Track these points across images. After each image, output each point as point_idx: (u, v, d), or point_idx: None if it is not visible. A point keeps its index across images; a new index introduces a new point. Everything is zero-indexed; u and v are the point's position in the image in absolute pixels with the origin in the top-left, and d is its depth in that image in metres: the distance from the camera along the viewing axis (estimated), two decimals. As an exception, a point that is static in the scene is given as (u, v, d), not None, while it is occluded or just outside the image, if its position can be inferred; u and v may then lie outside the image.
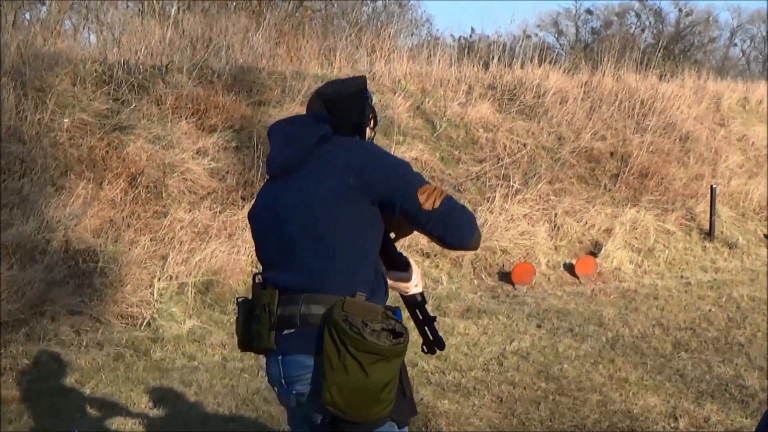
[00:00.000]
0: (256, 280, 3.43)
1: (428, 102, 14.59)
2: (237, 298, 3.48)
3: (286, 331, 3.30)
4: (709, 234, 13.80)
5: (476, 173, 13.45)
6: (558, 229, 12.67)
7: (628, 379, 7.56)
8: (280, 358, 3.33)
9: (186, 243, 9.79)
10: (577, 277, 11.71)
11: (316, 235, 3.29)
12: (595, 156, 14.83)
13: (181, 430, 6.31)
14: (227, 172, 11.37)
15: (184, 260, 9.57)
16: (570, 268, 11.93)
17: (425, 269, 11.04)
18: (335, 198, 3.28)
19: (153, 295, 9.11)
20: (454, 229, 3.33)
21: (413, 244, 11.34)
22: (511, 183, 13.30)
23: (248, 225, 3.70)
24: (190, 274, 9.44)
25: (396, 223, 3.46)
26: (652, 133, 15.68)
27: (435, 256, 11.31)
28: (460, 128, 14.37)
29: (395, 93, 14.40)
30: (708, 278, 12.07)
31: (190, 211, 10.37)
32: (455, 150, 13.88)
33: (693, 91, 18.01)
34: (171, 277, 9.36)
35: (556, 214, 12.85)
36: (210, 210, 10.48)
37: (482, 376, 7.68)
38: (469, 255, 11.43)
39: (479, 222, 11.87)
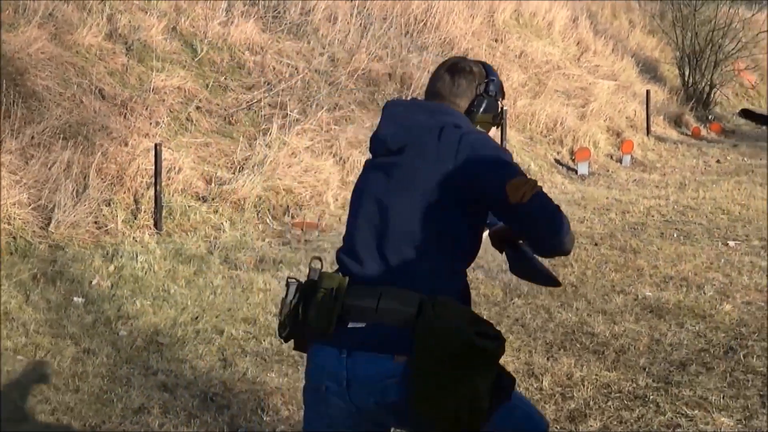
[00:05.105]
0: (314, 265, 3.32)
1: (185, 21, 13.82)
2: (288, 279, 3.34)
3: (352, 324, 3.18)
4: (500, 161, 13.79)
5: (247, 102, 12.89)
6: (344, 162, 12.35)
7: (467, 334, 7.32)
8: (345, 353, 3.18)
9: None
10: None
11: (404, 231, 3.24)
12: (374, 79, 14.57)
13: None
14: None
15: None
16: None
17: (203, 216, 10.47)
18: (433, 191, 3.21)
19: None
20: (542, 228, 3.22)
21: (187, 188, 10.74)
22: (288, 112, 12.84)
23: None
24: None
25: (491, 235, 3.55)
26: (430, 51, 15.56)
27: (213, 200, 10.73)
28: (223, 51, 13.72)
29: (146, 12, 13.56)
30: (511, 210, 12.04)
31: None
32: (221, 76, 13.25)
33: (466, 6, 18.01)
34: None
35: (340, 146, 12.52)
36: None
37: (303, 340, 7.25)
38: (251, 198, 10.93)
39: (264, 158, 11.41)
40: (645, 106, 18.43)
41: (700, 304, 8.07)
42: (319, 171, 11.85)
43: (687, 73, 21.71)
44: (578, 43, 20.23)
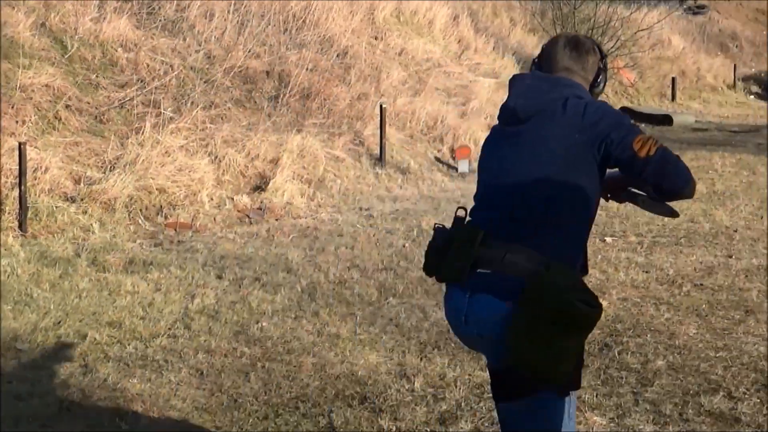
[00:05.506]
0: (459, 214, 3.75)
1: (54, 17, 13.39)
2: (435, 225, 3.79)
3: (480, 270, 3.58)
4: (379, 159, 13.72)
5: (119, 100, 12.54)
6: (220, 161, 12.09)
7: (339, 335, 7.15)
8: (468, 294, 3.61)
9: None
10: (248, 216, 11.24)
11: (535, 195, 3.59)
12: (251, 76, 14.32)
13: None
14: None
15: None
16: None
17: (71, 217, 10.11)
18: (561, 157, 3.59)
19: None
20: (669, 175, 3.53)
21: (54, 188, 10.37)
22: (162, 110, 12.52)
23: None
24: None
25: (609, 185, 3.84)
26: (309, 49, 15.36)
27: (82, 201, 10.38)
28: (95, 48, 13.32)
29: (13, 8, 13.11)
30: (389, 209, 11.94)
31: None
32: (92, 74, 12.86)
33: (346, 3, 17.84)
34: None
35: (216, 144, 12.24)
36: None
37: (170, 344, 6.99)
38: (122, 198, 10.59)
39: (137, 157, 11.11)
40: (526, 103, 18.45)
41: (576, 301, 8.00)
42: (193, 170, 11.56)
43: (567, 71, 21.80)
44: (459, 41, 20.24)
